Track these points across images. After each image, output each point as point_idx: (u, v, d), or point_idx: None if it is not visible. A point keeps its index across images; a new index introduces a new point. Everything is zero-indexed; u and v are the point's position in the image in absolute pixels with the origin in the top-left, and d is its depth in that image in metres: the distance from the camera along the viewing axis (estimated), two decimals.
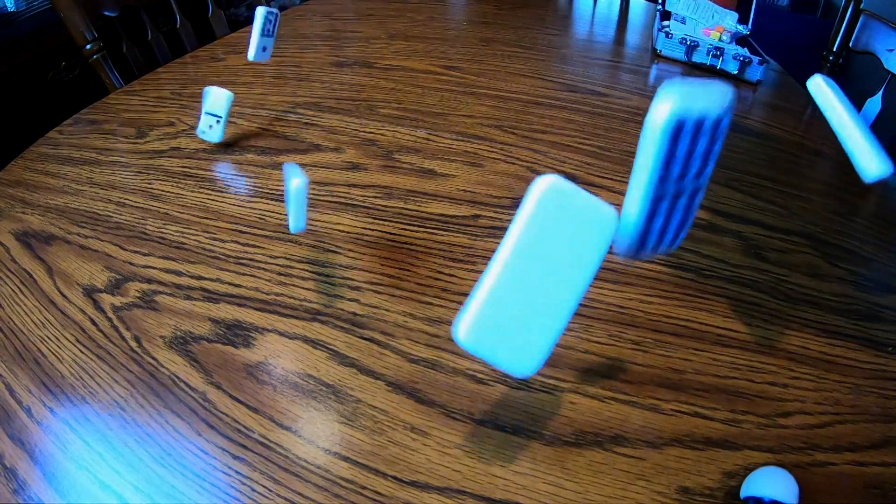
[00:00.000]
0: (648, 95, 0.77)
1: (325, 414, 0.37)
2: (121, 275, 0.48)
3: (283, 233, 0.52)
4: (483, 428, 0.36)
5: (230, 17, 1.61)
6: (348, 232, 0.52)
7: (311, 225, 0.53)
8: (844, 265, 0.49)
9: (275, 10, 0.65)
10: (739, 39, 0.85)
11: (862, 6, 0.83)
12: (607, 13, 1.10)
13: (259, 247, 0.50)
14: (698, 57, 0.83)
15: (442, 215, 0.54)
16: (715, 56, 0.82)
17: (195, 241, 0.51)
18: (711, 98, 0.24)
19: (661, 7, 0.92)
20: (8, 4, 1.27)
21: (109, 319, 0.44)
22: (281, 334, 0.42)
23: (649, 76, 0.84)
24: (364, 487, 0.33)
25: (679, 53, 0.85)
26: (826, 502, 0.33)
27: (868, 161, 0.32)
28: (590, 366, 0.40)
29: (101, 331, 0.43)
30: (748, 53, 0.80)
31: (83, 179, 0.60)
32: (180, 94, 0.77)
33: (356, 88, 0.77)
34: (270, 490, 0.33)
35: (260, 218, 0.54)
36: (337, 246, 0.50)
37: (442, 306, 0.45)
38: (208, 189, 0.58)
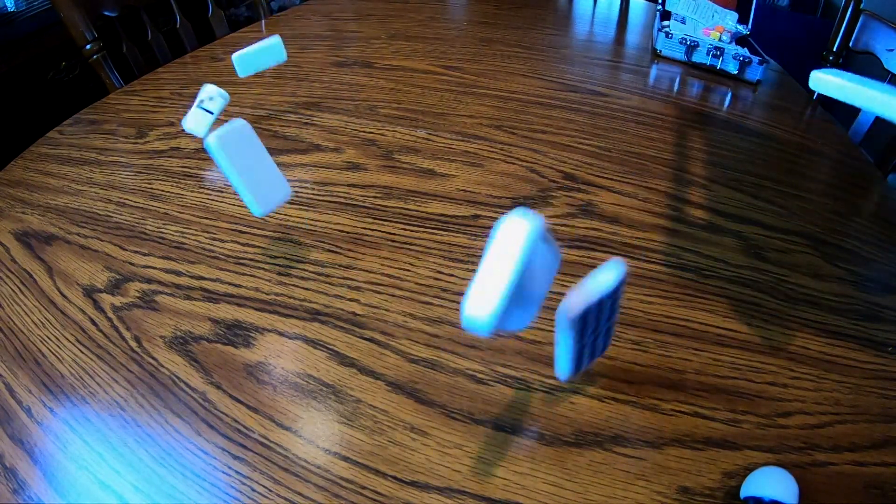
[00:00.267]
0: (648, 95, 0.77)
1: (325, 414, 0.37)
2: (121, 275, 0.48)
3: (283, 233, 0.52)
4: (483, 428, 0.36)
5: (230, 17, 1.61)
6: (348, 232, 0.52)
7: (312, 225, 0.53)
8: (844, 265, 0.49)
9: (225, 96, 0.62)
10: (739, 39, 0.85)
11: (862, 6, 0.83)
12: (607, 13, 1.10)
13: (259, 247, 0.50)
14: (698, 57, 0.84)
15: (442, 215, 0.54)
16: (715, 56, 0.82)
17: (195, 241, 0.51)
18: (602, 282, 0.30)
19: (661, 7, 0.92)
20: (8, 4, 1.27)
21: (109, 319, 0.44)
22: (281, 334, 0.42)
23: (649, 76, 0.84)
24: (364, 487, 0.33)
25: (679, 53, 0.85)
26: (826, 502, 0.33)
27: None
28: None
29: (101, 331, 0.43)
30: (748, 53, 0.80)
31: (83, 179, 0.60)
32: (180, 94, 0.77)
33: (356, 88, 0.77)
34: (270, 490, 0.33)
35: (260, 218, 0.54)
36: (337, 246, 0.50)
37: (442, 306, 0.45)
38: (208, 189, 0.58)
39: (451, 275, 0.47)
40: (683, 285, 0.47)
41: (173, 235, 0.52)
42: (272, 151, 0.64)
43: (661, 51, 0.87)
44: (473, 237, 0.51)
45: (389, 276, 0.47)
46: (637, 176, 0.60)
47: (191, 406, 0.37)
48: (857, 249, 0.51)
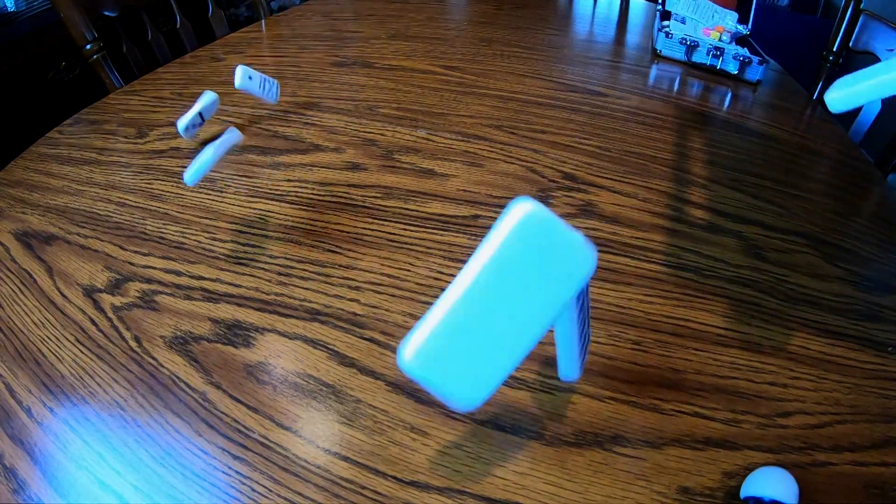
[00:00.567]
0: (648, 95, 0.77)
1: (325, 414, 0.37)
2: (121, 275, 0.48)
3: (283, 233, 0.52)
4: (483, 428, 0.36)
5: (230, 17, 1.61)
6: (348, 232, 0.52)
7: (312, 225, 0.53)
8: (844, 265, 0.49)
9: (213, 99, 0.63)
10: (739, 39, 0.85)
11: (862, 6, 0.83)
12: (607, 13, 1.10)
13: (259, 247, 0.50)
14: (698, 57, 0.84)
15: (442, 215, 0.54)
16: (715, 56, 0.82)
17: (195, 241, 0.51)
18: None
19: (661, 7, 0.92)
20: (8, 4, 1.27)
21: (109, 319, 0.44)
22: (281, 334, 0.42)
23: (649, 76, 0.84)
24: (364, 487, 0.33)
25: (679, 53, 0.85)
26: (826, 502, 0.33)
27: None
28: (590, 366, 0.40)
29: (101, 331, 0.43)
30: (748, 53, 0.80)
31: (83, 179, 0.60)
32: (180, 94, 0.77)
33: (356, 88, 0.77)
34: (270, 490, 0.33)
35: (260, 218, 0.54)
36: (337, 246, 0.50)
37: None
38: (208, 189, 0.58)
39: (451, 275, 0.47)
40: (683, 285, 0.47)
41: (173, 235, 0.52)
42: (272, 151, 0.64)
43: (661, 51, 0.87)
44: (473, 237, 0.51)
45: (389, 276, 0.47)
46: (637, 176, 0.60)
47: (191, 406, 0.37)
48: (857, 249, 0.51)
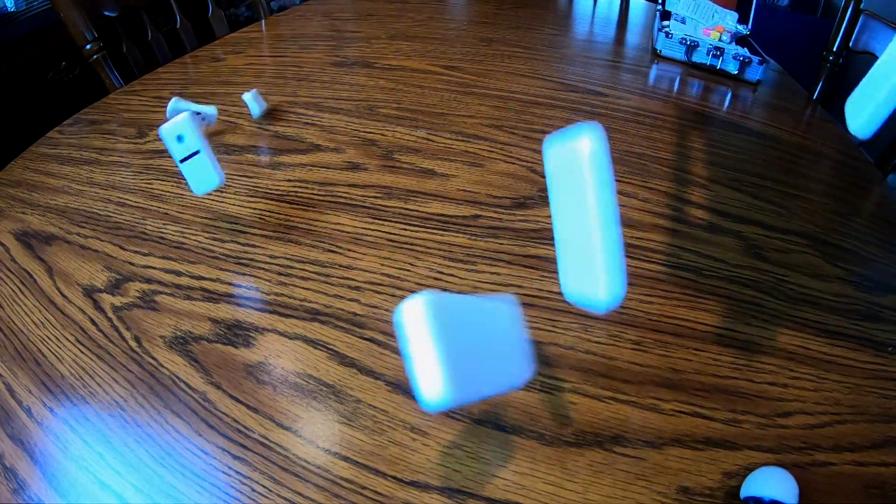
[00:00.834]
0: (648, 95, 0.77)
1: (325, 414, 0.37)
2: (121, 275, 0.48)
3: (282, 233, 0.52)
4: (483, 428, 0.36)
5: (230, 17, 1.61)
6: (348, 232, 0.52)
7: (312, 225, 0.53)
8: (844, 265, 0.49)
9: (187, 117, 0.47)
10: (739, 39, 0.85)
11: (862, 6, 0.83)
12: (607, 13, 1.10)
13: (259, 247, 0.50)
14: (698, 57, 0.83)
15: (442, 215, 0.54)
16: (715, 56, 0.82)
17: (195, 241, 0.51)
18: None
19: (661, 7, 0.92)
20: (8, 4, 1.27)
21: (109, 319, 0.44)
22: (281, 334, 0.42)
23: (649, 76, 0.84)
24: (364, 487, 0.33)
25: (679, 53, 0.85)
26: (826, 502, 0.33)
27: None
28: (590, 366, 0.40)
29: (101, 331, 0.43)
30: (748, 53, 0.80)
31: (83, 179, 0.60)
32: (180, 94, 0.77)
33: (356, 88, 0.77)
34: (270, 490, 0.33)
35: (260, 218, 0.54)
36: (337, 246, 0.50)
37: None
38: None
39: (451, 275, 0.47)
40: (683, 285, 0.47)
41: (173, 235, 0.52)
42: (272, 151, 0.64)
43: (661, 51, 0.87)
44: (473, 237, 0.51)
45: (389, 276, 0.47)
46: (637, 176, 0.60)
47: (191, 406, 0.37)
48: (857, 249, 0.51)
